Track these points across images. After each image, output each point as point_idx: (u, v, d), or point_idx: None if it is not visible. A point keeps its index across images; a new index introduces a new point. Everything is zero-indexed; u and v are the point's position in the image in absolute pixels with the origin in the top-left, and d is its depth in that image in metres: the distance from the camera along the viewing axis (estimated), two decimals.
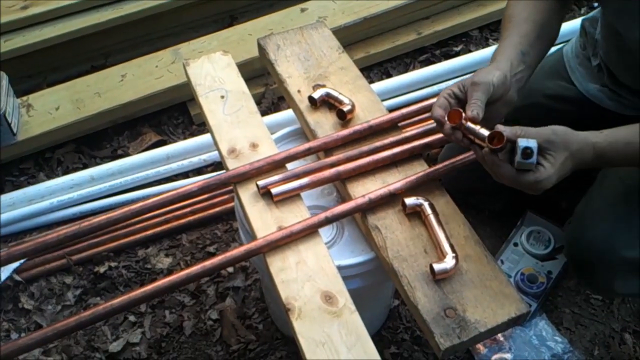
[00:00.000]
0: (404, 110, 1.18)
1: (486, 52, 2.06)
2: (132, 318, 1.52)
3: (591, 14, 1.39)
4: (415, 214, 1.03)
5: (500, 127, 0.93)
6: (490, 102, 1.02)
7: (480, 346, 1.43)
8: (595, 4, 2.26)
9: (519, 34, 1.12)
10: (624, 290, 1.21)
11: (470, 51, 2.14)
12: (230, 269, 1.59)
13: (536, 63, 1.15)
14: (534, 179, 0.92)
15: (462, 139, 0.98)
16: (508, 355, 1.41)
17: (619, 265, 1.17)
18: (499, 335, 1.44)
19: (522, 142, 0.90)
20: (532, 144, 0.90)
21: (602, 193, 1.25)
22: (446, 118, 0.98)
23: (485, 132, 0.95)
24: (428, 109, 1.21)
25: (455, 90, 1.02)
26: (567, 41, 1.50)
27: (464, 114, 0.97)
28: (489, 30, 2.22)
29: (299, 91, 1.22)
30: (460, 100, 1.02)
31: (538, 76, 1.20)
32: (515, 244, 1.59)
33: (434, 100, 1.20)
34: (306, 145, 1.11)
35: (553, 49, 1.91)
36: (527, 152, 0.91)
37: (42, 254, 1.60)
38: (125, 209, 1.03)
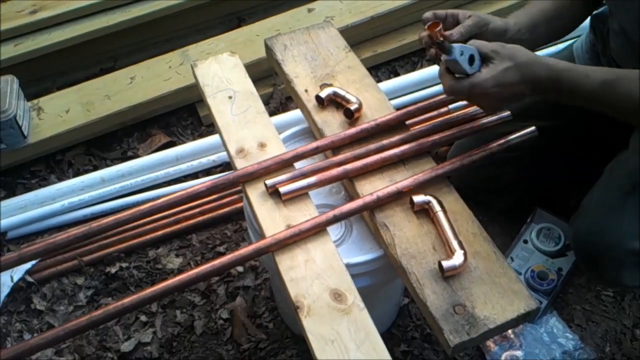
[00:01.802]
0: (411, 108, 1.18)
1: None
2: (143, 318, 1.53)
3: (599, 10, 1.38)
4: (423, 212, 1.03)
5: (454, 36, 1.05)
6: None
7: (490, 343, 1.42)
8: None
9: (539, 8, 1.18)
10: (632, 282, 1.21)
11: None
12: (240, 269, 1.60)
13: (544, 39, 1.20)
14: (468, 83, 0.99)
15: (429, 47, 1.06)
16: (519, 353, 1.41)
17: (626, 257, 1.16)
18: (510, 332, 1.44)
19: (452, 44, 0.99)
20: (462, 46, 0.99)
21: (608, 186, 1.25)
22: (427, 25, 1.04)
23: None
24: (435, 106, 1.21)
25: (460, 14, 1.10)
26: (577, 37, 1.49)
27: (440, 28, 1.02)
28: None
29: (306, 91, 1.23)
30: (458, 24, 1.09)
31: None
32: (525, 241, 1.59)
33: (441, 97, 1.21)
34: (314, 144, 1.11)
35: (562, 45, 1.92)
36: (443, 46, 0.98)
37: (53, 255, 1.62)
38: (135, 209, 1.04)
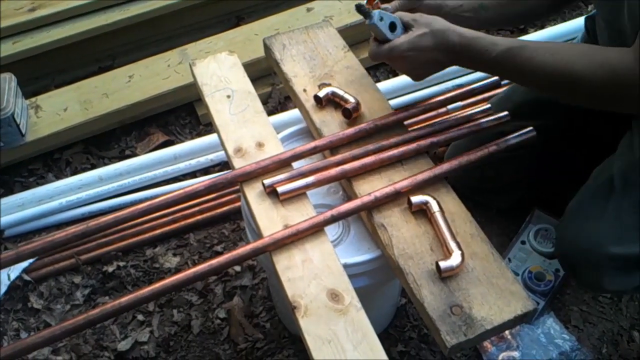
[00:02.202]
0: (410, 109, 1.18)
1: None
2: (140, 317, 1.53)
3: (592, 12, 1.39)
4: (421, 212, 1.03)
5: (389, 9, 1.13)
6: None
7: (487, 344, 1.42)
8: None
9: None
10: (612, 286, 1.21)
11: None
12: (238, 268, 1.60)
13: (494, 23, 1.25)
14: (387, 46, 1.08)
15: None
16: (516, 353, 1.41)
17: (606, 261, 1.16)
18: (507, 333, 1.44)
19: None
20: (383, 13, 1.09)
21: (590, 191, 1.26)
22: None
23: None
24: (435, 106, 1.21)
25: None
26: (573, 39, 1.50)
27: (377, 1, 1.16)
28: (495, 30, 2.22)
29: (304, 90, 1.22)
30: None
31: None
32: (523, 242, 1.59)
33: (440, 98, 1.21)
34: (312, 144, 1.11)
35: None
36: (361, 10, 1.09)
37: (50, 253, 1.62)
38: (132, 208, 1.04)
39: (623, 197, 1.18)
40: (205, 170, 1.83)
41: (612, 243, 1.16)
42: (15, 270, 1.58)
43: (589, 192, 1.26)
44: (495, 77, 1.26)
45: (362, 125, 1.13)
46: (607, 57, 0.99)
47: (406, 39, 1.07)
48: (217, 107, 1.20)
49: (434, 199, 1.02)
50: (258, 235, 1.02)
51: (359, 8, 1.12)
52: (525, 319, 0.93)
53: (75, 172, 1.84)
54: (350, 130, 1.13)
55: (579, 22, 2.06)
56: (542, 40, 1.16)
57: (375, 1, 1.16)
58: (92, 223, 1.02)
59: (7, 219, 1.68)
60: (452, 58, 1.08)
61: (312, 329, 0.88)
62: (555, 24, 2.18)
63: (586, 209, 1.24)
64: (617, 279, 1.19)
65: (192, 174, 1.83)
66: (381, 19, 1.09)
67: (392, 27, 1.10)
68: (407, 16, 1.10)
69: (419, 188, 1.05)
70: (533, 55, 1.03)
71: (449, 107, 1.25)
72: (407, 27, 1.09)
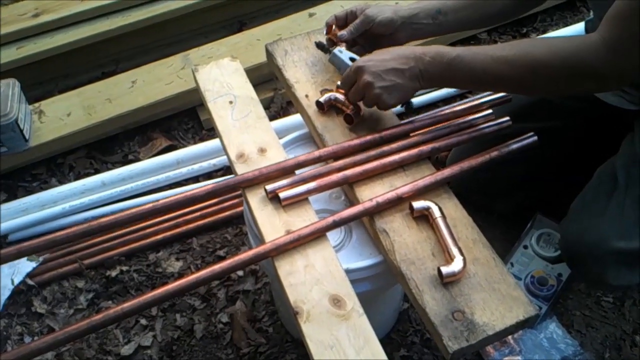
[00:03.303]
0: (416, 122, 1.18)
1: None
2: (143, 321, 1.53)
3: (592, 14, 1.40)
4: (423, 217, 1.03)
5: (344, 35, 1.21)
6: (376, 35, 1.21)
7: (490, 349, 1.42)
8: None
9: None
10: (618, 281, 1.21)
11: None
12: (240, 273, 1.60)
13: (455, 27, 1.25)
14: (351, 66, 1.12)
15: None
16: (518, 358, 1.41)
17: (610, 256, 1.17)
18: (509, 337, 1.44)
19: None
20: (342, 50, 1.20)
21: (594, 188, 1.27)
22: (326, 31, 1.25)
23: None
24: (440, 119, 1.21)
25: (358, 10, 1.21)
26: None
27: (335, 29, 1.23)
28: (497, 33, 2.22)
29: (306, 96, 1.23)
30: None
31: None
32: (525, 247, 1.59)
33: (447, 112, 1.21)
34: (316, 154, 1.11)
35: None
36: (320, 46, 1.23)
37: (54, 257, 1.62)
38: (135, 210, 1.04)
39: (626, 192, 1.19)
40: (208, 175, 1.84)
41: (616, 238, 1.16)
42: (18, 275, 1.58)
43: (592, 189, 1.27)
44: None
45: (368, 138, 1.13)
46: (568, 41, 1.02)
47: (361, 59, 1.11)
48: (220, 112, 1.21)
49: (436, 204, 1.02)
50: (260, 240, 1.02)
51: (319, 45, 1.23)
52: (527, 324, 0.93)
53: (78, 177, 1.85)
54: (356, 142, 1.12)
55: (580, 27, 2.06)
56: None
57: (333, 29, 1.23)
58: (94, 223, 1.02)
59: (10, 223, 1.69)
60: (412, 65, 1.08)
61: (314, 334, 0.88)
62: (557, 29, 2.19)
63: (590, 205, 1.25)
64: (622, 274, 1.20)
65: (195, 179, 1.83)
66: (340, 52, 1.18)
67: (352, 61, 1.17)
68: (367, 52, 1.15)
69: (420, 193, 1.05)
70: (494, 51, 1.05)
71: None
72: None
